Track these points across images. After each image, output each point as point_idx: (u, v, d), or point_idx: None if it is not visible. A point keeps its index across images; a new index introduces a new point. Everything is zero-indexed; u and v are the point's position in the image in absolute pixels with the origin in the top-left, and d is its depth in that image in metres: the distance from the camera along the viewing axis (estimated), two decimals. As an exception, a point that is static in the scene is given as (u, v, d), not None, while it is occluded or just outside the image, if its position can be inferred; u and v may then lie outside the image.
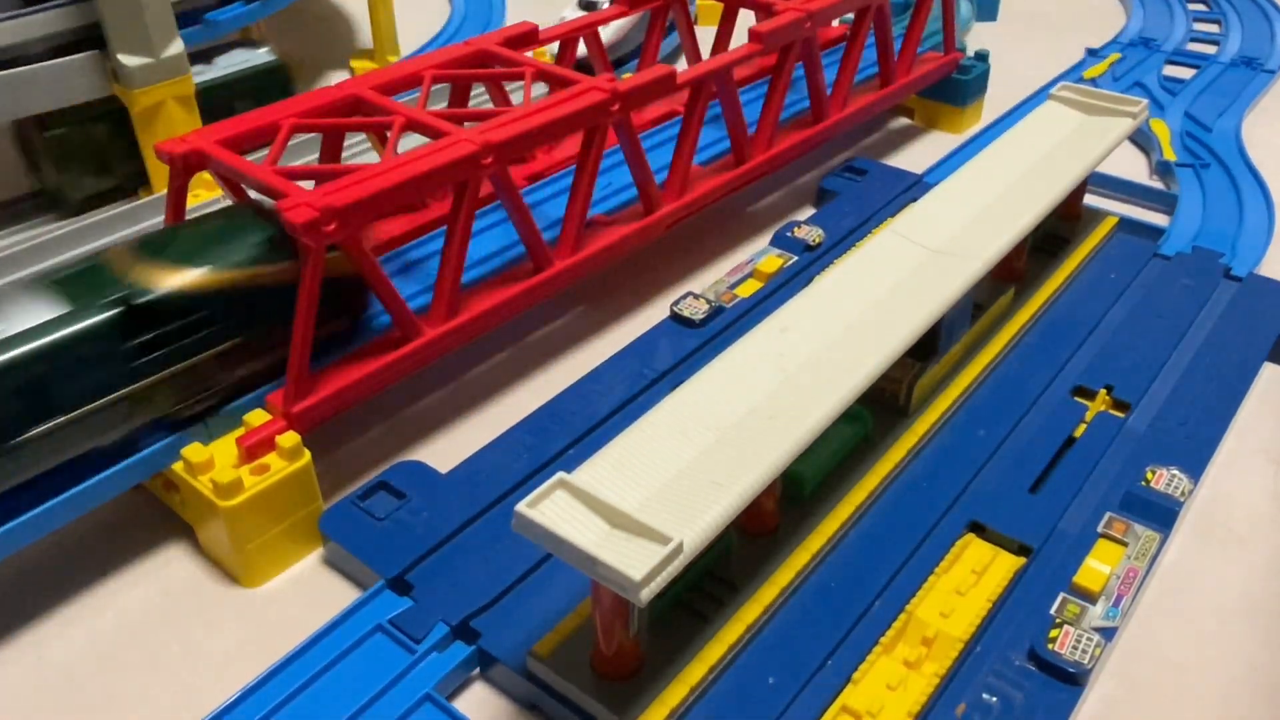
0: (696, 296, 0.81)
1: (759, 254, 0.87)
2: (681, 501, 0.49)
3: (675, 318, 0.79)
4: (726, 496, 0.49)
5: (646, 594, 0.44)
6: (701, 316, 0.78)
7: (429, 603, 0.57)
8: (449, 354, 0.71)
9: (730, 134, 0.86)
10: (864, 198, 0.95)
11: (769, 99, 0.88)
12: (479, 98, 0.98)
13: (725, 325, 0.78)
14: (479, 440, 0.68)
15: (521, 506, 0.47)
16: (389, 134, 0.69)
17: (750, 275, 0.84)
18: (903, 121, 1.15)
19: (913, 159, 1.07)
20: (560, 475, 0.49)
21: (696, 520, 0.47)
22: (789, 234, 0.88)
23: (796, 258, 0.86)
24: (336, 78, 1.26)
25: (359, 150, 0.95)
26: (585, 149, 0.74)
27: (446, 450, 0.70)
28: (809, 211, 0.99)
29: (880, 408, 0.67)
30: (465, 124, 0.70)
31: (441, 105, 0.90)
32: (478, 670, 0.56)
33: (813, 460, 0.61)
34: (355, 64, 1.27)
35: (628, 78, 0.75)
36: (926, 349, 0.68)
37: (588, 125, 0.73)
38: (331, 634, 0.56)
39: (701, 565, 0.56)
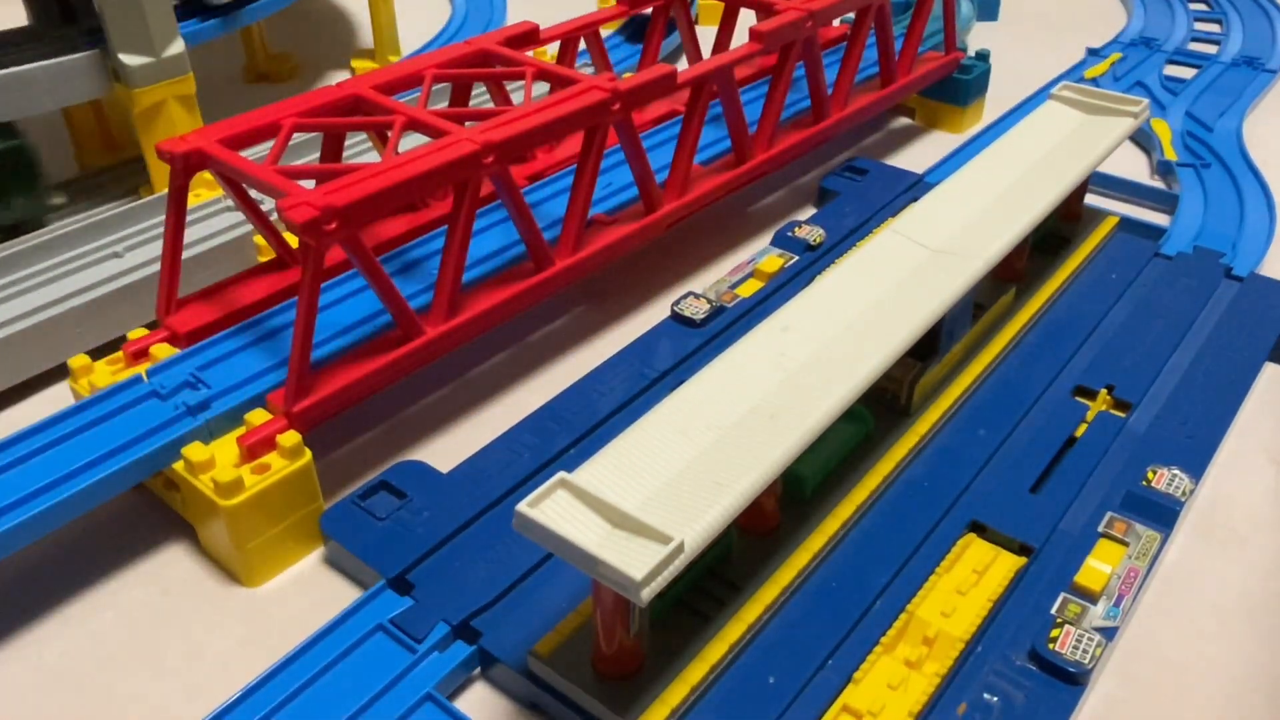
0: (697, 296, 0.81)
1: (760, 254, 0.87)
2: (682, 501, 0.49)
3: (676, 317, 0.79)
4: (727, 496, 0.49)
5: (647, 593, 0.44)
6: (702, 316, 0.78)
7: (430, 602, 0.57)
8: (450, 353, 0.71)
9: (731, 133, 0.86)
10: (865, 197, 0.95)
11: (770, 98, 0.88)
12: (480, 97, 0.98)
13: (726, 325, 0.78)
14: (480, 440, 0.68)
15: (522, 506, 0.47)
16: (390, 133, 0.69)
17: (751, 275, 0.84)
18: (904, 121, 1.15)
19: (913, 159, 1.07)
20: (561, 475, 0.49)
21: (697, 520, 0.47)
22: (790, 234, 0.88)
23: (797, 257, 0.86)
24: (337, 77, 1.26)
25: (360, 150, 0.95)
26: (586, 148, 0.74)
27: (447, 450, 0.70)
28: (810, 211, 0.99)
29: (881, 407, 0.67)
30: (466, 123, 0.70)
31: (442, 105, 0.90)
32: (479, 670, 0.56)
33: (814, 460, 0.61)
34: (356, 64, 1.27)
35: (628, 77, 0.75)
36: (927, 348, 0.68)
37: (588, 125, 0.73)
38: (332, 633, 0.56)
39: (702, 565, 0.56)
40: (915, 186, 0.97)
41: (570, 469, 0.50)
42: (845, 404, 0.56)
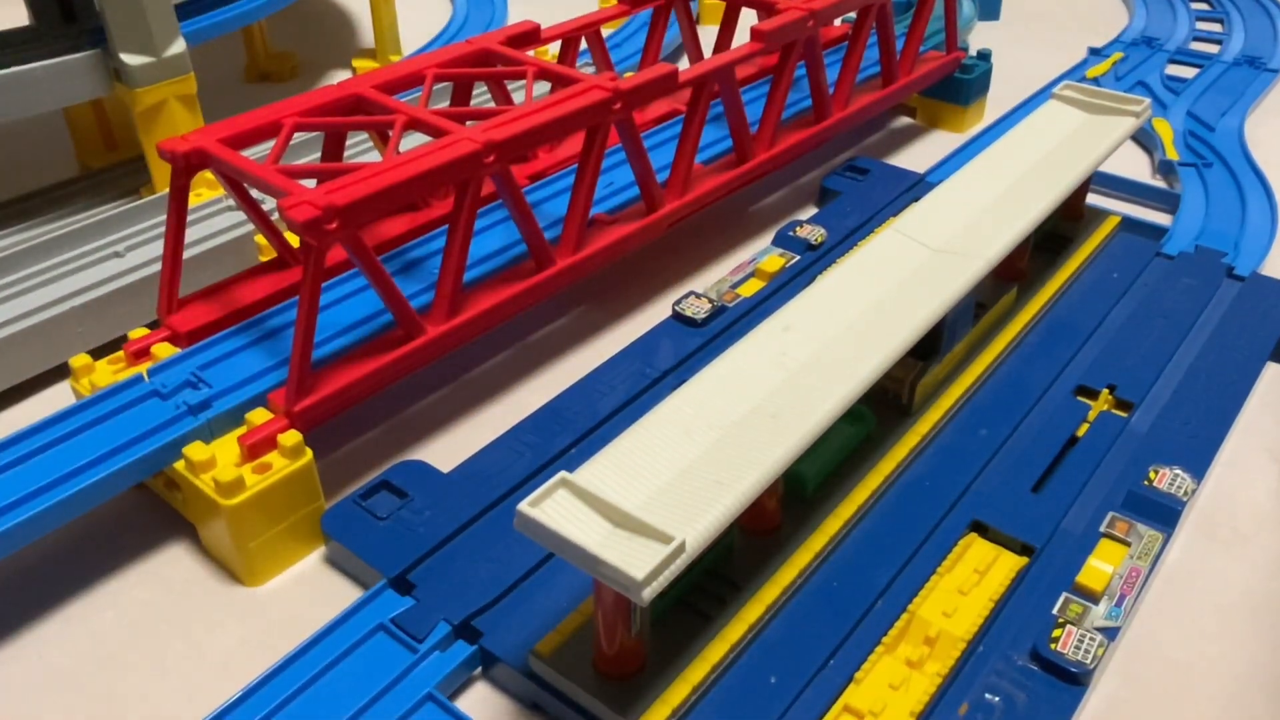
0: (698, 296, 0.80)
1: (761, 253, 0.87)
2: (684, 501, 0.49)
3: (677, 317, 0.79)
4: (729, 496, 0.49)
5: (648, 593, 0.44)
6: (703, 316, 0.78)
7: (431, 602, 0.57)
8: (451, 353, 0.71)
9: (732, 133, 0.86)
10: (866, 197, 0.95)
11: (771, 98, 0.88)
12: (481, 97, 0.98)
13: (727, 324, 0.78)
14: (481, 439, 0.68)
15: (524, 506, 0.47)
16: (391, 133, 0.69)
17: (752, 274, 0.84)
18: (905, 121, 1.15)
19: (915, 158, 1.07)
20: (562, 474, 0.49)
21: (699, 519, 0.47)
22: (791, 233, 0.88)
23: (798, 257, 0.86)
24: (338, 77, 1.26)
25: (361, 149, 0.95)
26: (587, 148, 0.74)
27: (448, 449, 0.70)
28: (811, 211, 0.98)
29: (883, 407, 0.67)
30: (467, 123, 0.70)
31: (443, 104, 0.90)
32: (480, 669, 0.56)
33: (815, 459, 0.61)
34: (357, 63, 1.27)
35: (629, 76, 0.75)
36: (929, 348, 0.67)
37: (589, 124, 0.72)
38: (333, 633, 0.56)
39: (704, 564, 0.55)
40: (916, 186, 0.97)
41: (571, 468, 0.50)
42: (847, 404, 0.56)
